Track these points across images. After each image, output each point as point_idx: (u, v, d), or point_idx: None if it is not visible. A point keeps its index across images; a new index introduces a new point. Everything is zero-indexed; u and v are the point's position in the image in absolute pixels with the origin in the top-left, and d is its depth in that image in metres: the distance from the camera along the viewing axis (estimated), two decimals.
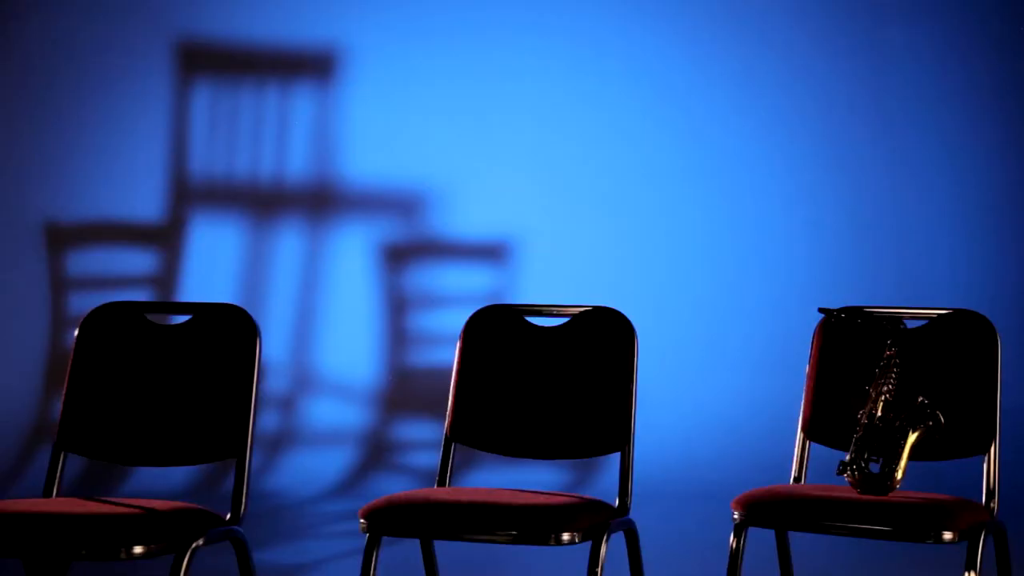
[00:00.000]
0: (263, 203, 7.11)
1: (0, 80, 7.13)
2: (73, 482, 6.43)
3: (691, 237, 6.99)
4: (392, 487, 6.33)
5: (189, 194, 7.09)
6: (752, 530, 3.45)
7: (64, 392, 3.61)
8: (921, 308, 3.77)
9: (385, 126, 7.10)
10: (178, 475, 6.55)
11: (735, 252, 6.96)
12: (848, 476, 3.48)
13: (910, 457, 3.46)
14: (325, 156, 7.13)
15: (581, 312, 3.77)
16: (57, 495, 3.51)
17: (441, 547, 3.84)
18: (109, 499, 3.36)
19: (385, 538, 3.42)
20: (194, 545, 3.16)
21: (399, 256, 7.10)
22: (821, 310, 3.71)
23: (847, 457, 3.49)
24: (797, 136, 6.97)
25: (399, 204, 7.10)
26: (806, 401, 3.78)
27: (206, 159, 7.14)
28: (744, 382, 6.86)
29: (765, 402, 6.69)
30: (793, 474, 3.74)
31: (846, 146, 6.96)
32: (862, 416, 3.53)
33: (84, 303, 6.86)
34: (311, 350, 7.07)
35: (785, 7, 6.98)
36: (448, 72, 7.08)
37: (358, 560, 3.53)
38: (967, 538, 3.31)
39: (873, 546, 4.47)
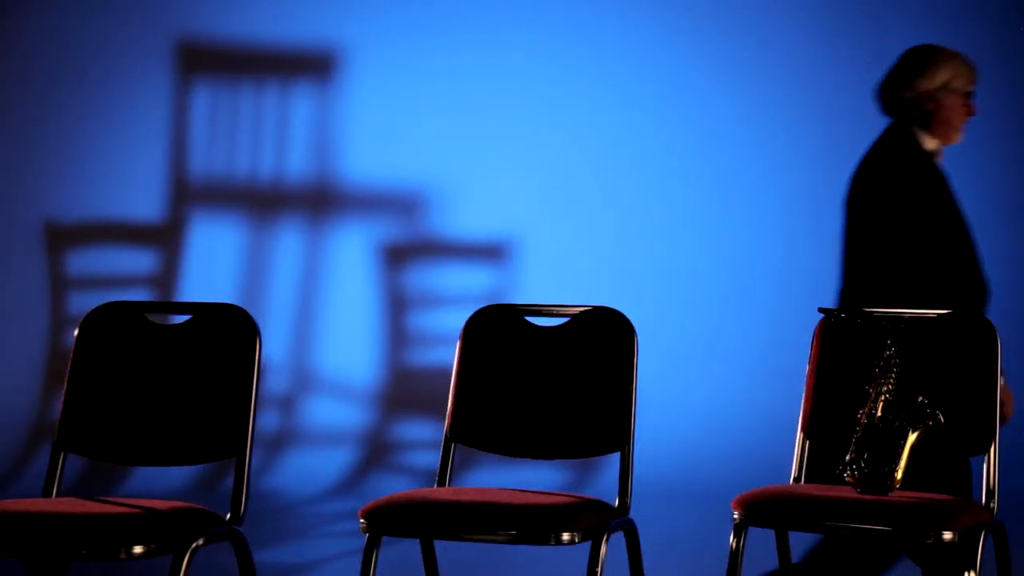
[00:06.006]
0: (263, 203, 7.11)
1: (0, 80, 7.13)
2: (73, 482, 6.43)
3: (691, 237, 6.99)
4: (392, 487, 6.33)
5: (189, 194, 7.09)
6: (752, 530, 3.44)
7: (64, 392, 3.61)
8: (921, 308, 3.76)
9: (385, 126, 7.10)
10: (178, 475, 6.55)
11: (735, 252, 6.96)
12: (848, 476, 3.47)
13: (910, 457, 3.45)
14: (325, 156, 7.12)
15: (581, 312, 3.76)
16: (57, 495, 3.51)
17: (441, 547, 3.83)
18: (109, 499, 3.36)
19: (385, 538, 3.41)
20: (194, 545, 3.15)
21: (399, 256, 7.10)
22: (821, 310, 3.70)
23: (847, 457, 3.49)
24: (797, 137, 6.97)
25: (399, 204, 7.10)
26: (806, 401, 3.78)
27: (206, 159, 7.14)
28: (744, 382, 6.86)
29: (765, 402, 6.69)
30: (793, 474, 3.74)
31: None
32: (862, 416, 3.53)
33: (84, 303, 6.86)
34: (311, 350, 7.07)
35: (785, 9, 6.98)
36: (448, 72, 7.08)
37: (358, 560, 3.52)
38: (967, 538, 3.31)
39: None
